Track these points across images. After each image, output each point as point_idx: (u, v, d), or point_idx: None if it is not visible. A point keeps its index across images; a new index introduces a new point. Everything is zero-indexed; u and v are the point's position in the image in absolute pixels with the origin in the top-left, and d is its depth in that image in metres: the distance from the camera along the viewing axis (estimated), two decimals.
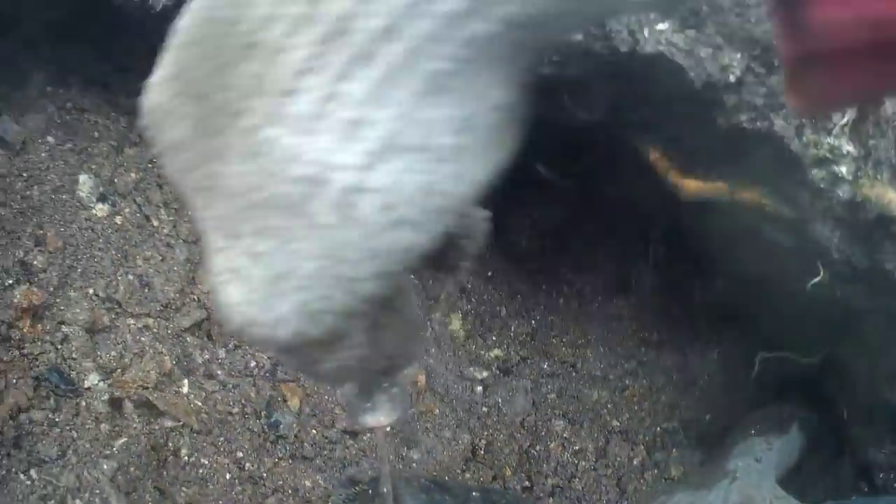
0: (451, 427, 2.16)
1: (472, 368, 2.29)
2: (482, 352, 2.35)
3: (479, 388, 2.27)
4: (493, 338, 2.38)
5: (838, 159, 1.70)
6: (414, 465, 2.03)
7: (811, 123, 1.67)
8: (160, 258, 1.98)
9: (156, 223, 1.97)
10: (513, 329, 2.42)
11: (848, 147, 1.69)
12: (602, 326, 2.52)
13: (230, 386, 1.96)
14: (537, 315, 2.47)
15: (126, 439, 1.69)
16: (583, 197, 2.46)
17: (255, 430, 1.92)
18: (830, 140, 1.68)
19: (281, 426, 1.94)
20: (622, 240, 2.55)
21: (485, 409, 2.24)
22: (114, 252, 1.93)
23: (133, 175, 1.96)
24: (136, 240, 1.96)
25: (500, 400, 2.27)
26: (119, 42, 1.92)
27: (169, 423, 1.80)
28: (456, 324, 2.33)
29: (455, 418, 2.18)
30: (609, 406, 2.40)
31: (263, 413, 1.96)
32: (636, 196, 2.29)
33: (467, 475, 2.11)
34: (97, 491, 1.59)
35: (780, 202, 1.84)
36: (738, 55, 1.58)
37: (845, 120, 1.66)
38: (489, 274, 2.45)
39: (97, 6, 1.77)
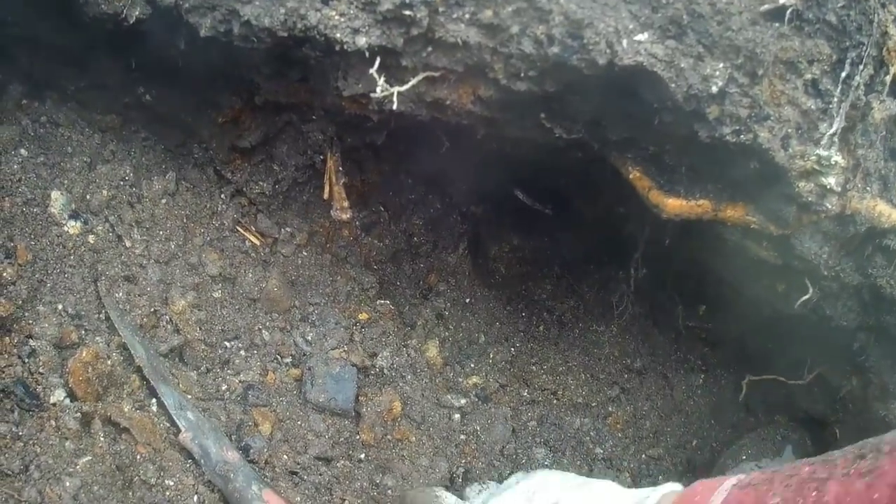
0: (427, 455, 2.10)
1: (449, 396, 2.23)
2: (460, 379, 2.30)
3: (457, 416, 2.22)
4: (472, 365, 2.33)
5: (826, 170, 1.66)
6: (389, 491, 1.97)
7: (798, 134, 1.64)
8: (132, 278, 1.92)
9: (128, 243, 1.92)
10: (491, 356, 2.37)
11: (836, 157, 1.66)
12: (583, 353, 2.48)
13: (200, 409, 1.89)
14: (517, 342, 2.43)
15: (91, 458, 1.63)
16: (563, 222, 2.43)
17: None
18: (819, 151, 1.65)
19: (251, 450, 1.88)
20: (603, 265, 2.53)
21: (463, 436, 2.19)
22: (85, 270, 1.87)
23: (105, 192, 1.91)
24: (108, 257, 1.90)
25: (478, 427, 2.22)
26: (95, 59, 1.89)
27: (136, 444, 1.73)
28: (433, 351, 2.28)
29: (432, 446, 2.13)
30: (592, 433, 2.35)
31: (234, 437, 1.90)
32: (616, 219, 2.27)
33: None
34: None
35: (766, 218, 1.81)
36: (721, 64, 1.56)
37: (834, 128, 1.64)
38: (467, 301, 2.41)
39: (73, 20, 1.74)
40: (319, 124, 2.00)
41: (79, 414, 1.71)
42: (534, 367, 2.40)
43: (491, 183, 2.29)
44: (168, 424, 1.83)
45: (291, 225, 2.14)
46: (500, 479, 2.12)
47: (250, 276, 2.06)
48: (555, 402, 2.36)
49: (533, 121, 1.80)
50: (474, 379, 2.31)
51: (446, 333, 2.33)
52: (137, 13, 1.71)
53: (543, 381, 2.39)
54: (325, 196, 2.00)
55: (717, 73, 1.57)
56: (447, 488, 1.92)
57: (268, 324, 2.07)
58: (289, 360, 2.06)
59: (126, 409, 1.78)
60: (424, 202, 2.36)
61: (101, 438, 1.70)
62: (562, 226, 2.42)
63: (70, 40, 1.85)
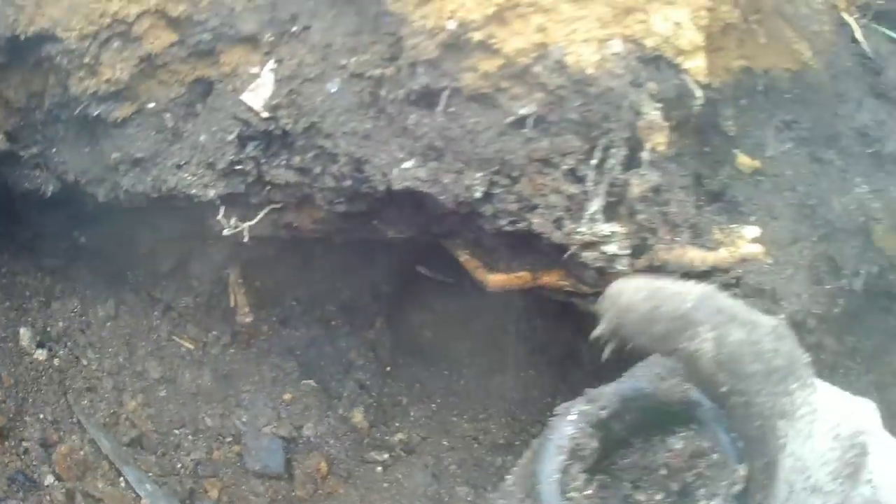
0: (355, 503, 2.50)
1: (373, 452, 2.62)
2: (386, 437, 2.68)
3: (380, 469, 2.60)
4: (396, 424, 2.72)
5: (606, 240, 1.91)
6: None
7: (569, 215, 1.91)
8: (93, 389, 2.43)
9: (85, 362, 2.43)
10: (412, 414, 2.75)
11: (612, 228, 1.90)
12: (503, 399, 2.82)
13: (158, 483, 2.37)
14: (438, 398, 2.79)
15: None
16: (473, 289, 2.78)
17: None
18: (589, 227, 1.89)
19: None
20: (519, 318, 2.85)
21: (386, 484, 2.57)
22: (55, 386, 2.40)
23: (61, 324, 2.44)
24: (72, 375, 2.42)
25: (400, 476, 2.60)
26: (36, 214, 2.41)
27: None
28: (359, 416, 2.68)
29: (358, 495, 2.52)
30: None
31: (187, 501, 2.38)
32: None
33: None
34: None
35: (576, 281, 2.12)
36: (479, 174, 1.89)
37: (595, 208, 1.89)
38: (388, 369, 2.80)
39: (7, 192, 2.26)
40: (218, 246, 2.45)
41: (64, 490, 2.29)
42: (454, 419, 2.75)
43: (396, 263, 2.68)
44: (133, 495, 2.34)
45: (217, 329, 2.61)
46: None
47: (188, 375, 2.54)
48: (475, 446, 2.70)
49: (370, 226, 2.20)
50: (399, 436, 2.69)
51: (370, 400, 2.72)
52: (51, 188, 2.22)
53: (464, 430, 2.74)
54: (232, 304, 2.46)
55: (477, 181, 1.91)
56: None
57: (209, 412, 2.53)
58: (230, 438, 2.52)
59: (100, 486, 2.35)
60: (335, 290, 2.78)
61: None
62: (474, 293, 2.76)
63: (12, 201, 2.37)
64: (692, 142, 2.04)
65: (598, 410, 1.14)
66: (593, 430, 1.11)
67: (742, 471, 1.00)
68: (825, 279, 2.08)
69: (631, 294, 1.03)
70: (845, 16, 2.06)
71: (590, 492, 1.08)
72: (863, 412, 1.01)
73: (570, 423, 1.13)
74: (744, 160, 2.09)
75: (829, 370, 2.14)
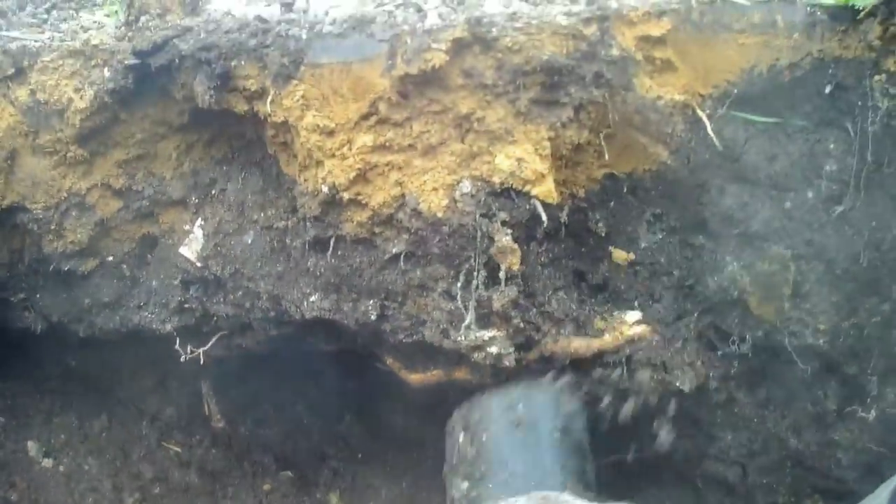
0: None
1: None
2: None
3: None
4: (370, 503, 3.04)
5: (488, 343, 2.20)
6: None
7: (452, 327, 2.20)
8: (95, 489, 2.85)
9: (86, 467, 2.86)
10: (384, 494, 3.06)
11: (489, 333, 2.20)
12: None
13: None
14: (407, 479, 3.09)
15: None
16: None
17: None
18: (464, 336, 2.19)
19: None
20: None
21: None
22: (62, 487, 2.83)
23: (62, 436, 2.87)
24: (76, 479, 2.84)
25: None
26: (30, 346, 2.84)
27: None
28: (334, 500, 3.01)
29: None
30: None
31: None
32: None
33: None
34: None
35: (481, 375, 2.39)
36: (371, 301, 2.23)
37: (468, 320, 2.18)
38: (359, 456, 3.11)
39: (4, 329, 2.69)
40: (190, 365, 2.83)
41: None
42: (423, 494, 3.04)
43: (356, 362, 3.02)
44: None
45: (199, 433, 3.00)
46: None
47: (178, 474, 2.93)
48: None
49: (305, 342, 2.55)
50: None
51: (344, 484, 3.05)
52: (40, 327, 2.65)
53: (432, 503, 3.04)
54: (206, 413, 2.85)
55: (371, 306, 2.24)
56: None
57: (199, 503, 2.92)
58: None
59: None
60: (304, 392, 3.13)
61: None
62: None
63: (10, 336, 2.79)
64: (568, 245, 2.29)
65: None
66: None
67: None
68: (717, 345, 2.31)
69: None
70: (699, 112, 2.12)
71: None
72: None
73: None
74: (619, 254, 2.31)
75: (743, 420, 2.37)
